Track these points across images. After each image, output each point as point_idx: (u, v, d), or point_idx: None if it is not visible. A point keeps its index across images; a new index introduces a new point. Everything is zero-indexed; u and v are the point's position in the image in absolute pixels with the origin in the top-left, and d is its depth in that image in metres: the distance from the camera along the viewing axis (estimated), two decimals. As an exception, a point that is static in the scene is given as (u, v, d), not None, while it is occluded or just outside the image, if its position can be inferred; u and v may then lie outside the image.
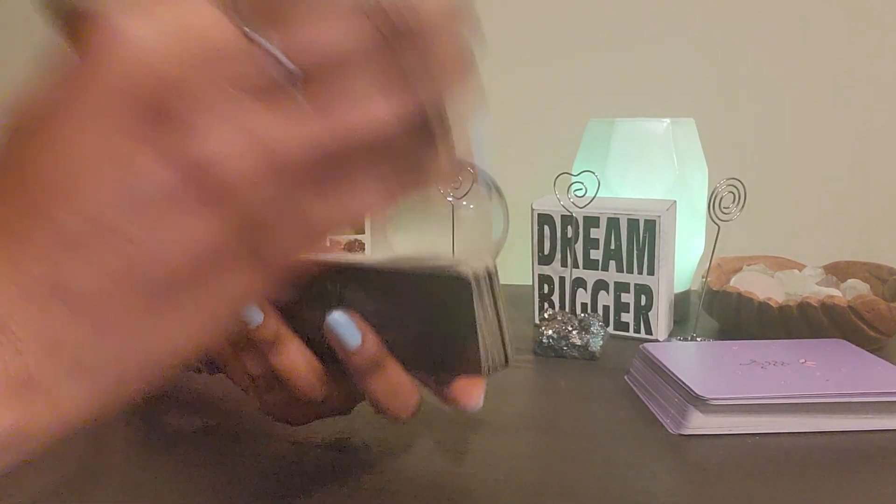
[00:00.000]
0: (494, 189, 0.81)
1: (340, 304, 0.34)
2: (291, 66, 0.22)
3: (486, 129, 0.28)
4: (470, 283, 0.31)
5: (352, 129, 0.22)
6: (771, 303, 0.59)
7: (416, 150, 0.24)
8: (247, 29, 0.22)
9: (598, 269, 0.64)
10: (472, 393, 0.36)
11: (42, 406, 0.22)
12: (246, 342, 0.36)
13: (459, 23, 0.25)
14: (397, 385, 0.35)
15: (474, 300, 0.31)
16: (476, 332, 0.32)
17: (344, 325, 0.33)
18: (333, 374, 0.37)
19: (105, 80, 0.21)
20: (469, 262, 0.31)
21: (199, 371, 0.45)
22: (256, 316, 0.35)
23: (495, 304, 0.33)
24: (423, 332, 0.34)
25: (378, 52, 0.22)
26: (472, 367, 0.33)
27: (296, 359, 0.36)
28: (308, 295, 0.34)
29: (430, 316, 0.33)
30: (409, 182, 0.25)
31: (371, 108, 0.23)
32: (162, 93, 0.21)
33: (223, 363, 0.39)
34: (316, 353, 0.36)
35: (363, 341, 0.33)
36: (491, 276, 0.32)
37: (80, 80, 0.22)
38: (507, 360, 0.34)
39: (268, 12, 0.22)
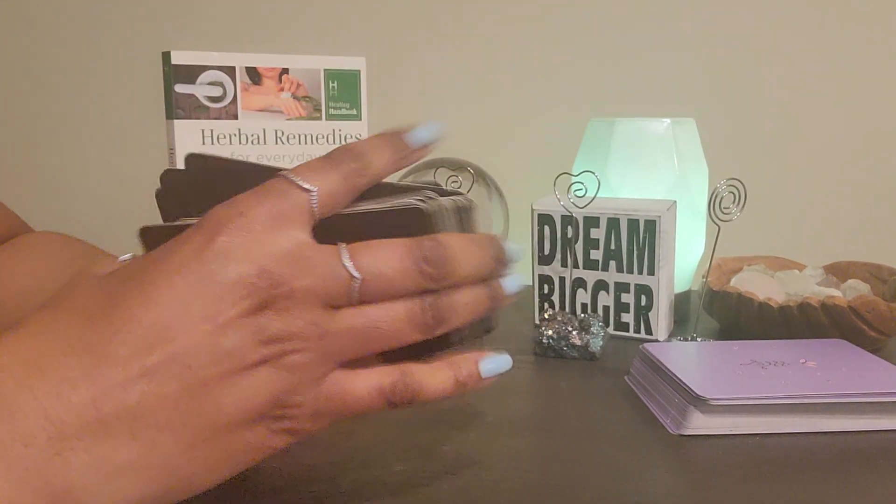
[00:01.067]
0: (494, 189, 0.81)
1: None
2: (357, 273, 0.29)
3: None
4: (424, 214, 0.32)
5: (376, 333, 0.30)
6: (771, 303, 0.59)
7: (414, 364, 0.32)
8: (340, 247, 0.30)
9: (598, 270, 0.64)
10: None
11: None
12: None
13: (488, 274, 0.33)
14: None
15: (434, 229, 0.32)
16: None
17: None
18: None
19: (232, 257, 0.28)
20: (436, 198, 0.33)
21: None
22: None
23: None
24: None
25: (415, 285, 0.30)
26: None
27: None
28: None
29: None
30: (401, 391, 0.32)
31: (395, 322, 0.30)
32: (271, 289, 0.28)
33: None
34: None
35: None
36: (461, 210, 0.34)
37: (204, 253, 0.28)
38: (490, 327, 0.36)
39: (351, 238, 0.30)
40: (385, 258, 0.30)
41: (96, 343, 0.26)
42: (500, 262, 0.34)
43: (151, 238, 0.34)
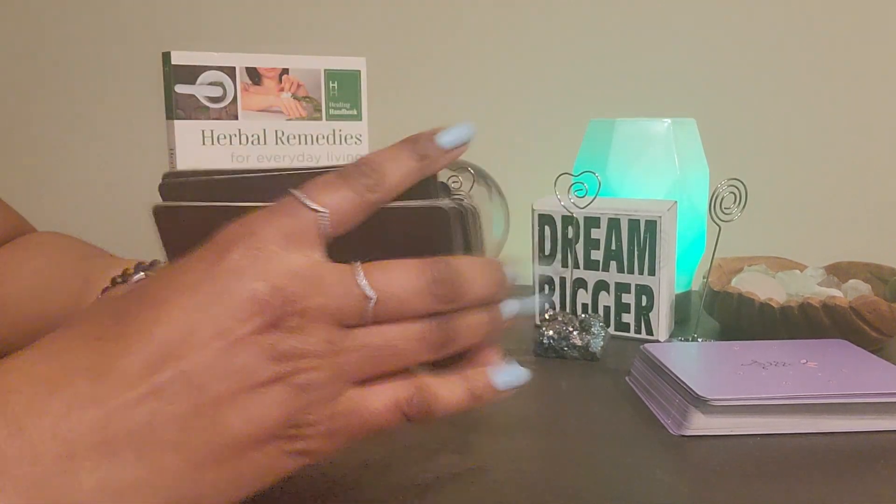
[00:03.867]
0: (495, 189, 0.81)
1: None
2: (372, 293, 0.29)
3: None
4: (448, 213, 0.32)
5: (389, 353, 0.30)
6: (772, 303, 0.59)
7: (429, 376, 0.32)
8: (354, 266, 0.29)
9: (598, 270, 0.64)
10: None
11: None
12: None
13: (495, 297, 0.33)
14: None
15: (452, 230, 0.32)
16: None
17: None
18: None
19: (240, 277, 0.27)
20: (449, 201, 0.33)
21: None
22: None
23: (479, 239, 0.34)
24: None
25: (427, 301, 0.30)
26: None
27: None
28: None
29: (414, 248, 0.33)
30: (417, 405, 0.32)
31: (407, 343, 0.30)
32: (284, 306, 0.27)
33: None
34: None
35: None
36: (473, 212, 0.34)
37: (216, 271, 0.28)
38: None
39: (365, 257, 0.30)
40: (399, 279, 0.30)
41: (106, 362, 0.26)
42: (503, 287, 0.34)
43: (166, 219, 0.34)
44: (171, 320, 0.26)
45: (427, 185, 0.33)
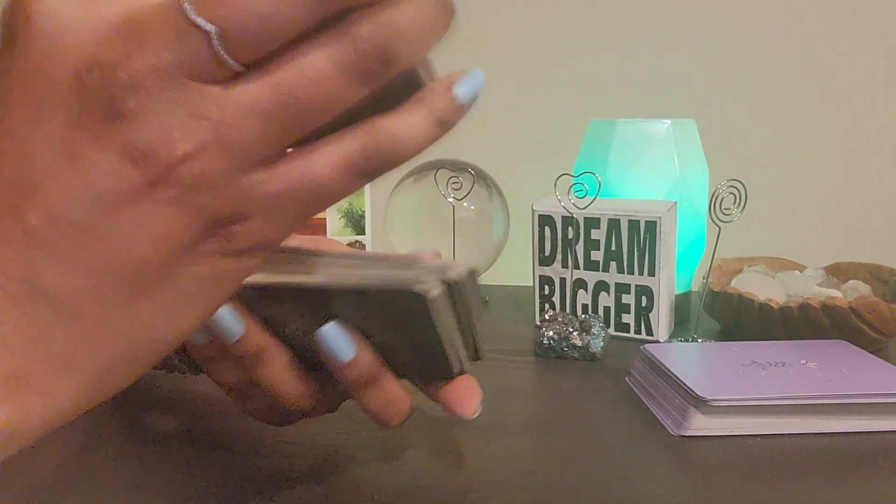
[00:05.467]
0: (495, 190, 0.81)
1: (304, 318, 0.33)
2: (208, 24, 0.20)
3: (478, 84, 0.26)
4: (425, 300, 0.29)
5: (297, 93, 0.21)
6: (772, 304, 0.59)
7: (379, 117, 0.23)
8: (186, 6, 0.20)
9: (598, 271, 0.64)
10: (466, 402, 0.36)
11: (33, 401, 0.22)
12: (225, 352, 0.35)
13: None
14: (391, 394, 0.34)
15: (432, 315, 0.30)
16: (441, 343, 0.32)
17: (336, 338, 0.32)
18: (321, 380, 0.36)
19: (40, 69, 0.21)
20: (433, 272, 0.30)
21: (183, 373, 0.44)
22: (237, 328, 0.34)
23: (466, 308, 0.32)
24: (389, 344, 0.33)
25: (321, 13, 0.21)
26: (441, 372, 0.34)
27: (280, 371, 0.35)
28: (279, 310, 0.33)
29: (394, 328, 0.32)
30: (374, 154, 0.23)
31: (315, 70, 0.21)
32: (97, 78, 0.21)
33: (205, 366, 0.38)
34: (300, 356, 0.35)
35: (357, 354, 0.33)
36: (459, 286, 0.30)
37: (16, 72, 0.21)
38: (478, 356, 0.35)
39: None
40: None
41: None
42: None
43: None
44: (11, 151, 0.22)
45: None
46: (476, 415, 0.35)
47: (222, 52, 0.20)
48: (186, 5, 0.20)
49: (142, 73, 0.20)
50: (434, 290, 0.29)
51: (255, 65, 0.21)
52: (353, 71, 0.22)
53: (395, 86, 0.23)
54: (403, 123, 0.24)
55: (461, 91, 0.25)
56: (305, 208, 0.24)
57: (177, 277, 0.23)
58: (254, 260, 0.24)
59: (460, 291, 0.31)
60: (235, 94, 0.21)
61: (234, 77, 0.21)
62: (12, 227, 0.22)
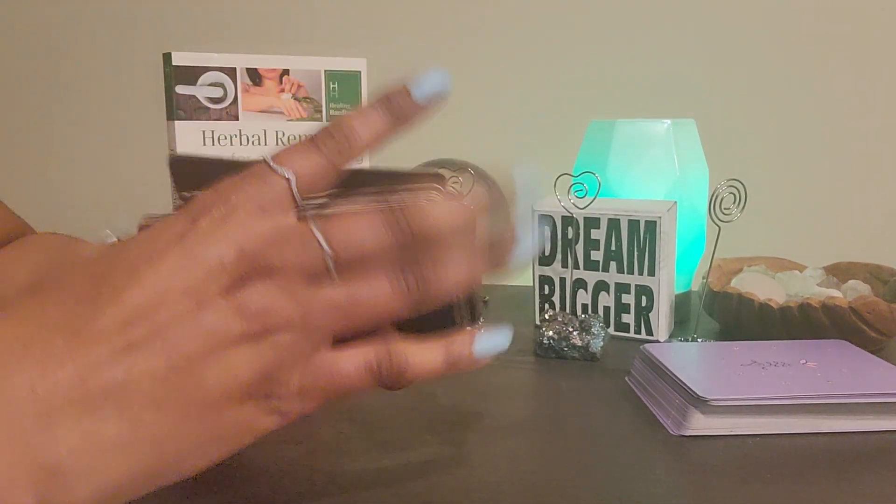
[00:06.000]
0: (495, 189, 0.81)
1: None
2: (329, 249, 0.29)
3: (530, 176, 0.35)
4: (445, 180, 0.32)
5: (361, 301, 0.30)
6: (772, 304, 0.59)
7: (404, 342, 0.32)
8: (309, 221, 0.29)
9: (598, 270, 0.64)
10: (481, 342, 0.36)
11: (60, 495, 0.25)
12: None
13: (466, 231, 0.32)
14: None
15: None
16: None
17: None
18: None
19: (213, 240, 0.28)
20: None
21: None
22: None
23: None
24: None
25: (391, 249, 0.30)
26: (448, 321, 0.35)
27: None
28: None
29: None
30: (387, 369, 0.31)
31: (377, 287, 0.30)
32: (248, 267, 0.28)
33: None
34: None
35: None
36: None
37: (186, 234, 0.28)
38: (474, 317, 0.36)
39: (321, 210, 0.30)
40: (354, 224, 0.30)
41: (82, 323, 0.26)
42: (470, 225, 0.32)
43: (180, 169, 0.35)
44: (143, 282, 0.27)
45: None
46: (483, 362, 0.34)
47: (332, 267, 0.29)
48: (314, 228, 0.29)
49: (277, 266, 0.29)
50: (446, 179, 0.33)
51: (343, 278, 0.30)
52: (402, 295, 0.30)
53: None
54: (420, 353, 0.32)
55: (479, 347, 0.33)
56: (329, 392, 0.31)
57: (222, 416, 0.28)
58: (275, 423, 0.30)
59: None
60: (324, 291, 0.29)
61: (328, 281, 0.30)
62: (118, 335, 0.26)
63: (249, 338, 0.28)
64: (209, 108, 0.62)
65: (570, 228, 0.65)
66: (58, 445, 0.25)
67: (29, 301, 0.28)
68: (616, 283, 0.64)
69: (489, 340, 0.33)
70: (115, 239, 0.39)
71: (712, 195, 0.58)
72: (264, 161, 0.31)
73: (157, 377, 0.26)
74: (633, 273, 0.63)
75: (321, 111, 0.67)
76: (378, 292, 0.30)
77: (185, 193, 0.36)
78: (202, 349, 0.27)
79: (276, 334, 0.29)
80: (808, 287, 0.65)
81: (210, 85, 0.62)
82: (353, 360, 0.31)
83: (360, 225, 0.30)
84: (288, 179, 0.30)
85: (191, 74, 0.61)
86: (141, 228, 0.34)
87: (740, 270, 0.71)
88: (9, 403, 0.25)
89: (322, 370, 0.30)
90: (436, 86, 0.32)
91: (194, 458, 0.28)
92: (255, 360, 0.28)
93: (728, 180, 0.58)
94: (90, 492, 0.25)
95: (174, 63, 0.60)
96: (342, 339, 0.31)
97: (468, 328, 0.35)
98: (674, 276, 0.65)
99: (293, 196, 0.30)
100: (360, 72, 0.68)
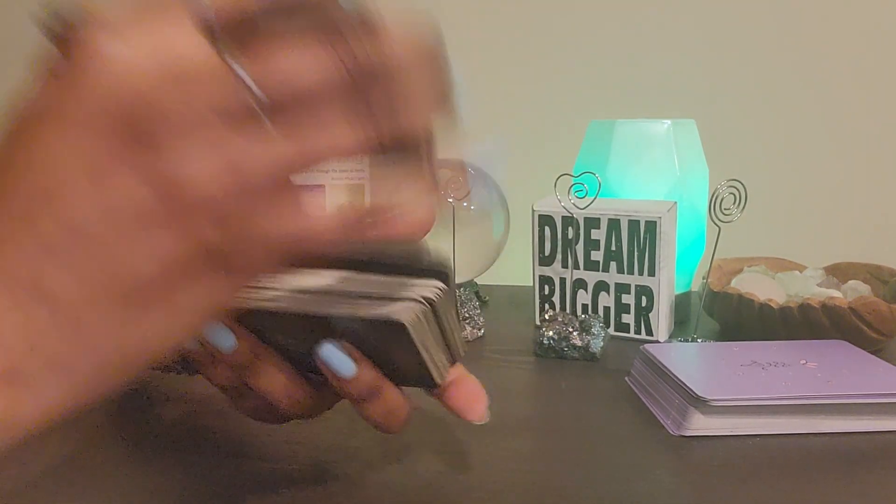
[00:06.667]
0: (495, 189, 0.81)
1: (295, 338, 0.34)
2: (261, 93, 0.23)
3: (498, 147, 0.28)
4: (406, 328, 0.30)
5: (316, 153, 0.24)
6: (772, 304, 0.59)
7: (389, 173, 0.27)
8: (225, 55, 0.23)
9: (598, 271, 0.64)
10: (474, 407, 0.36)
11: (25, 398, 0.23)
12: (219, 358, 0.35)
13: (427, 59, 0.26)
14: (391, 404, 0.35)
15: (414, 340, 0.31)
16: (423, 361, 0.32)
17: (337, 357, 0.33)
18: (316, 382, 0.36)
19: (86, 95, 0.23)
20: (411, 293, 0.31)
21: (178, 373, 0.44)
22: (228, 341, 0.34)
23: (447, 318, 0.33)
24: (373, 357, 0.34)
25: (343, 84, 0.24)
26: (426, 381, 0.34)
27: (274, 377, 0.36)
28: (270, 326, 0.34)
29: (377, 347, 0.33)
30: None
31: (335, 136, 0.24)
32: (139, 112, 0.22)
33: (199, 368, 0.38)
34: (294, 361, 0.35)
35: (358, 370, 0.33)
36: (435, 303, 0.32)
37: (63, 92, 0.23)
38: (460, 356, 0.36)
39: (243, 41, 0.23)
40: (294, 60, 0.23)
41: None
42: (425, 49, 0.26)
43: None
44: (38, 161, 0.23)
45: (417, 252, 0.32)
46: (485, 420, 0.35)
47: (257, 106, 0.23)
48: (229, 58, 0.23)
49: (182, 111, 0.23)
50: (415, 314, 0.31)
51: (283, 124, 0.23)
52: (369, 145, 0.24)
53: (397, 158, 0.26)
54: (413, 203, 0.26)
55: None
56: (296, 249, 0.25)
57: (173, 294, 0.25)
58: (243, 281, 0.26)
59: (438, 306, 0.32)
60: (263, 147, 0.23)
61: (264, 131, 0.23)
62: (26, 232, 0.23)
63: (173, 211, 0.23)
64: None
65: (570, 228, 0.65)
66: (6, 356, 0.23)
67: None
68: (616, 284, 0.64)
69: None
70: None
71: (712, 195, 0.58)
72: None
73: (83, 275, 0.23)
74: (633, 273, 0.63)
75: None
76: (331, 137, 0.24)
77: None
78: (119, 233, 0.23)
79: (207, 203, 0.23)
80: (808, 287, 0.65)
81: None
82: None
83: (298, 60, 0.23)
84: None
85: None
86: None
87: (740, 271, 0.71)
88: None
89: (283, 229, 0.25)
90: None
91: (157, 339, 0.25)
92: (187, 235, 0.24)
93: (728, 180, 0.58)
94: (61, 387, 0.24)
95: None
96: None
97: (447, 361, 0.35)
98: (674, 277, 0.65)
99: (207, 22, 0.23)
100: (360, 72, 0.68)
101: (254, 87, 0.23)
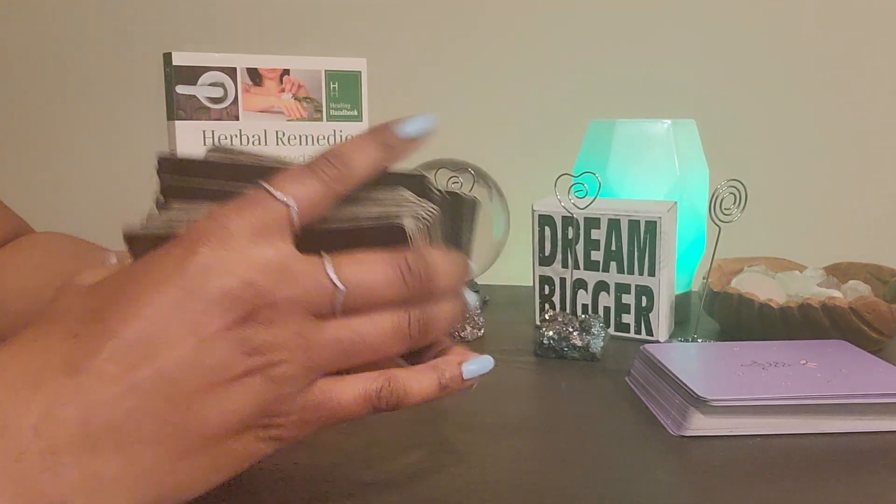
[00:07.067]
0: (495, 190, 0.81)
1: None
2: (341, 285, 0.30)
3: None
4: (405, 231, 0.32)
5: (369, 343, 0.31)
6: (772, 304, 0.59)
7: (399, 369, 0.33)
8: (324, 258, 0.30)
9: (598, 271, 0.64)
10: (469, 357, 0.37)
11: None
12: None
13: (459, 289, 0.35)
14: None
15: (414, 243, 0.33)
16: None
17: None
18: None
19: (215, 270, 0.28)
20: (412, 208, 0.33)
21: None
22: None
23: (452, 228, 0.36)
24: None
25: (400, 298, 0.31)
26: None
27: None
28: None
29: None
30: (386, 397, 0.32)
31: (382, 325, 0.31)
32: (254, 298, 0.28)
33: None
34: None
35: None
36: (429, 218, 0.33)
37: (185, 264, 0.28)
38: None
39: (335, 250, 0.31)
40: (369, 269, 0.31)
41: (84, 360, 0.27)
42: (465, 279, 0.35)
43: (138, 246, 0.34)
44: (144, 317, 0.27)
45: (399, 177, 0.34)
46: (473, 384, 0.36)
47: (340, 304, 0.30)
48: (330, 267, 0.30)
49: (282, 301, 0.29)
50: (413, 220, 0.33)
51: (345, 307, 0.30)
52: (403, 336, 0.32)
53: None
54: (416, 381, 0.33)
55: (468, 369, 0.35)
56: (327, 420, 0.31)
57: (221, 448, 0.29)
58: (272, 449, 0.31)
59: (433, 222, 0.34)
60: (328, 328, 0.30)
61: (333, 315, 0.30)
62: (120, 376, 0.26)
63: (251, 373, 0.28)
64: (209, 108, 0.62)
65: (570, 228, 0.65)
66: (60, 483, 0.25)
67: (31, 334, 0.29)
68: (616, 284, 0.64)
69: (477, 364, 0.35)
70: (115, 261, 0.38)
71: (712, 195, 0.58)
72: (262, 187, 0.30)
73: (158, 416, 0.27)
74: (633, 273, 0.63)
75: (321, 111, 0.67)
76: (381, 331, 0.31)
77: (160, 198, 0.35)
78: (204, 387, 0.27)
79: (278, 368, 0.29)
80: (808, 287, 0.65)
81: (210, 85, 0.62)
82: (351, 390, 0.31)
83: (374, 267, 0.31)
84: (288, 206, 0.30)
85: (191, 74, 0.61)
86: (126, 238, 0.33)
87: (740, 271, 0.71)
88: (13, 441, 0.25)
89: (321, 400, 0.31)
90: (423, 128, 0.34)
91: (194, 487, 0.29)
92: (255, 395, 0.29)
93: (728, 180, 0.58)
94: None
95: (174, 63, 0.60)
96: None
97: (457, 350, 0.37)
98: (674, 277, 0.65)
99: (293, 223, 0.30)
100: (360, 72, 0.68)
101: (337, 282, 0.30)
